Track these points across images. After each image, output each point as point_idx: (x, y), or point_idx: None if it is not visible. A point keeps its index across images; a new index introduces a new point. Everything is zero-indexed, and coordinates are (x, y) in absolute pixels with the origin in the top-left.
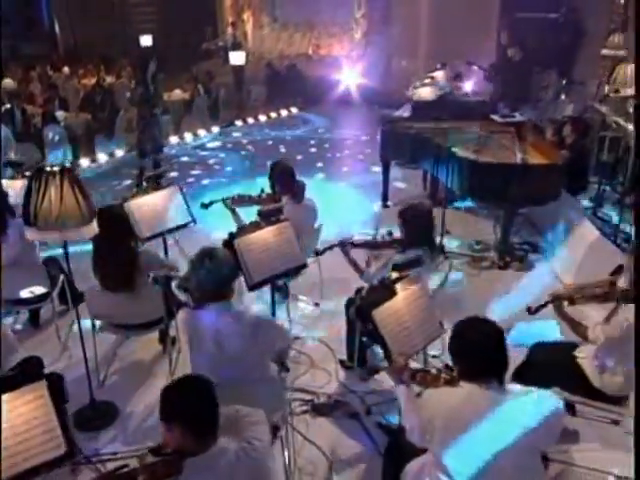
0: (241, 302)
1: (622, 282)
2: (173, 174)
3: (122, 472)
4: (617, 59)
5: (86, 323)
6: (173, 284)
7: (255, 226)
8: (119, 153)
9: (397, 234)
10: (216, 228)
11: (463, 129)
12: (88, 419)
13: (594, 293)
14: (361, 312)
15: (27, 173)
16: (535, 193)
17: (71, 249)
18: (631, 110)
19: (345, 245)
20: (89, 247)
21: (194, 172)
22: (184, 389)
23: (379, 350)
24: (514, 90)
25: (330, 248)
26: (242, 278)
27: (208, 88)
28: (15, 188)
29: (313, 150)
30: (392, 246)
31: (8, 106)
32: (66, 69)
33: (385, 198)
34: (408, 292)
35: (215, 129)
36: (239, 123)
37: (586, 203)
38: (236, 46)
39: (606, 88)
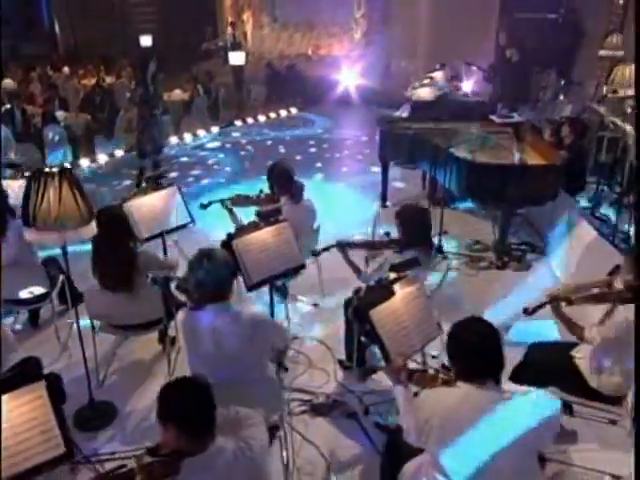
0: (240, 302)
1: (618, 283)
2: (173, 174)
3: (119, 472)
4: (615, 60)
5: (85, 323)
6: (172, 285)
7: (254, 227)
8: (119, 153)
9: (395, 234)
10: (215, 228)
11: (462, 130)
12: (87, 419)
13: (591, 294)
14: (358, 312)
15: (26, 174)
16: (533, 193)
17: (70, 249)
18: (629, 110)
19: (342, 246)
20: (88, 247)
21: (193, 172)
22: (180, 390)
23: (378, 350)
24: (513, 90)
25: (327, 249)
26: (241, 278)
27: (208, 88)
28: (14, 189)
29: (312, 150)
30: (389, 247)
31: (8, 106)
32: (66, 69)
33: (384, 198)
34: (406, 292)
35: (215, 129)
36: (239, 123)
37: (584, 203)
38: (236, 46)
39: (604, 89)
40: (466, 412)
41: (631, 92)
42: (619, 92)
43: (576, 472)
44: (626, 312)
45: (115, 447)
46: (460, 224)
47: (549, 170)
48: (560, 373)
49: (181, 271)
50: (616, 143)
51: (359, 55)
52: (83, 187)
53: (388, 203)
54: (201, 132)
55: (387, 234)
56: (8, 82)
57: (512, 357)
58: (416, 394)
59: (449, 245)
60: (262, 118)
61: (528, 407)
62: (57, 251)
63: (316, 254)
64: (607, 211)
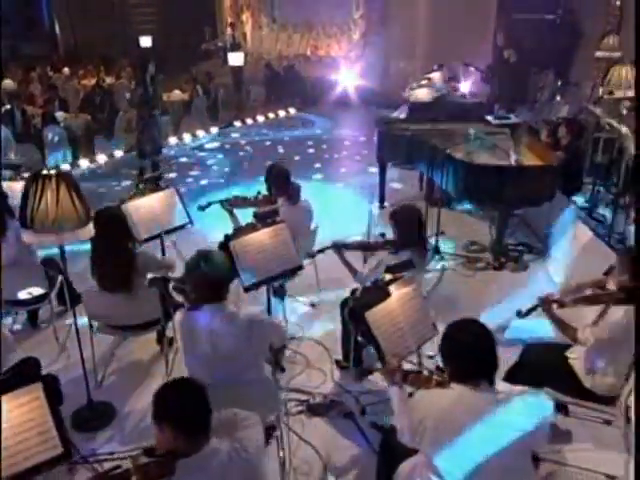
0: (237, 303)
1: (611, 284)
2: (172, 175)
3: (115, 473)
4: (611, 61)
5: (84, 323)
6: (170, 286)
7: (251, 228)
8: (118, 154)
9: (390, 235)
10: (213, 230)
11: (459, 131)
12: (86, 419)
13: (584, 295)
14: (354, 314)
15: (25, 174)
16: (530, 194)
17: (68, 249)
18: (625, 112)
19: (338, 247)
20: (87, 247)
21: (192, 173)
22: (175, 391)
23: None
24: (511, 91)
25: (322, 251)
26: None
27: (207, 89)
28: (14, 190)
29: (311, 151)
30: (385, 247)
31: (8, 107)
32: (66, 70)
33: (382, 199)
34: (402, 293)
35: (214, 130)
36: (238, 124)
37: (580, 204)
38: (235, 47)
39: (600, 90)
40: (460, 413)
41: (628, 93)
42: (615, 93)
43: (570, 472)
44: (619, 313)
45: (114, 447)
46: (457, 225)
47: (546, 171)
48: (555, 373)
49: (178, 272)
50: (612, 144)
51: (358, 56)
52: (81, 188)
53: (386, 204)
54: (200, 132)
55: (382, 235)
56: (8, 82)
57: (507, 357)
58: (411, 395)
59: (446, 246)
60: (261, 119)
61: (521, 408)
62: (57, 250)
63: (312, 256)
64: (603, 212)
